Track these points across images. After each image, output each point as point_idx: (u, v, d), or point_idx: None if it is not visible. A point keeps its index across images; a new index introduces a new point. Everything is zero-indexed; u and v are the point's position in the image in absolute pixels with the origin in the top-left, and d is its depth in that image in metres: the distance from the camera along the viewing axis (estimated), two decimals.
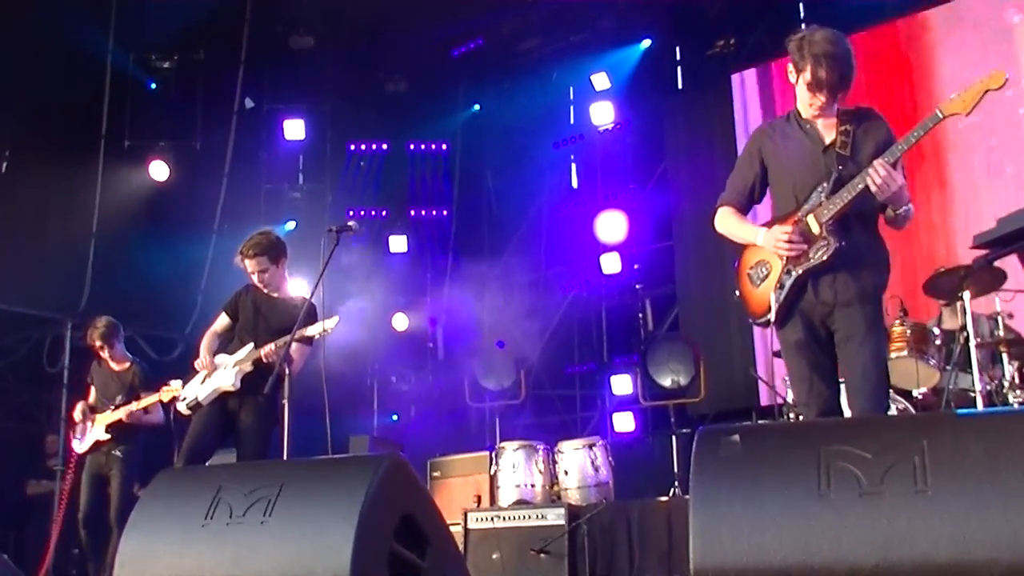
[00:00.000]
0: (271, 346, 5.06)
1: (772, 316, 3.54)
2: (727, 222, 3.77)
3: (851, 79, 3.43)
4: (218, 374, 5.21)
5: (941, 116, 3.27)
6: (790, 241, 3.47)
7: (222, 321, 5.47)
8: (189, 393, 5.27)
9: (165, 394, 6.13)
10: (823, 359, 3.51)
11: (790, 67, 3.49)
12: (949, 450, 2.30)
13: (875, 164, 3.30)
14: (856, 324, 3.43)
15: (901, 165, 3.42)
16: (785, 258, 3.51)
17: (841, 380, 3.60)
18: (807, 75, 3.41)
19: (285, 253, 5.35)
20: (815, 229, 3.45)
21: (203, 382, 5.26)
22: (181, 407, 5.24)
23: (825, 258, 3.42)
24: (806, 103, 3.51)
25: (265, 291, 5.35)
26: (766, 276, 3.60)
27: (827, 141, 3.52)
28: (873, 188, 3.30)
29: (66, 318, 9.08)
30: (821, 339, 3.52)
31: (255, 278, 5.31)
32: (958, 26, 7.92)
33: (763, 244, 3.58)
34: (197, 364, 5.30)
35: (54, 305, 9.14)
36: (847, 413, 3.72)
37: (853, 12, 8.09)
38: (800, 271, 3.48)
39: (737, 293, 3.78)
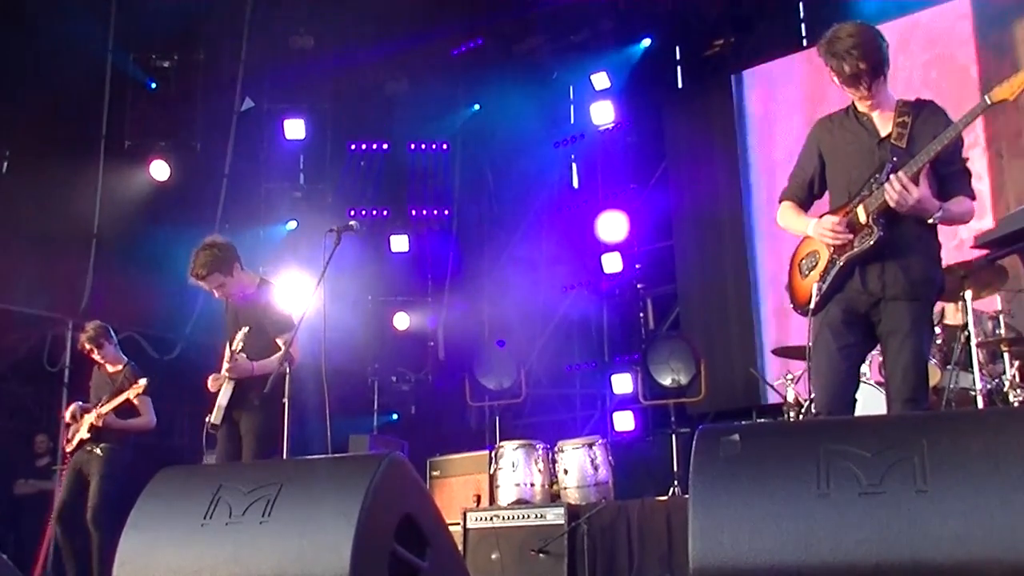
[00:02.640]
0: (225, 364, 5.01)
1: (812, 304, 3.54)
2: (785, 216, 3.81)
3: (883, 65, 3.44)
4: (221, 391, 5.17)
5: (989, 103, 3.24)
6: (834, 230, 3.49)
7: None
8: (213, 417, 5.18)
9: (132, 391, 6.16)
10: (851, 342, 3.50)
11: (829, 69, 3.51)
12: (949, 449, 2.30)
13: (891, 178, 3.29)
14: (901, 319, 3.41)
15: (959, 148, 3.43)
16: (832, 248, 3.53)
17: (864, 381, 3.58)
18: (837, 74, 3.44)
19: (235, 256, 5.18)
20: (862, 219, 3.45)
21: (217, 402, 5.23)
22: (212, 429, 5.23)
23: (868, 246, 3.42)
24: (854, 98, 3.53)
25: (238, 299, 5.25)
26: (814, 266, 3.62)
27: (883, 133, 3.52)
28: (891, 203, 3.30)
29: (66, 318, 9.07)
30: (855, 325, 3.50)
31: (216, 294, 5.21)
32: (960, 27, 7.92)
33: (812, 234, 3.61)
34: (210, 386, 5.20)
35: (54, 305, 9.14)
36: (858, 411, 3.71)
37: (853, 13, 8.07)
38: (843, 260, 3.49)
39: (785, 283, 3.81)
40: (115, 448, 6.21)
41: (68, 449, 6.35)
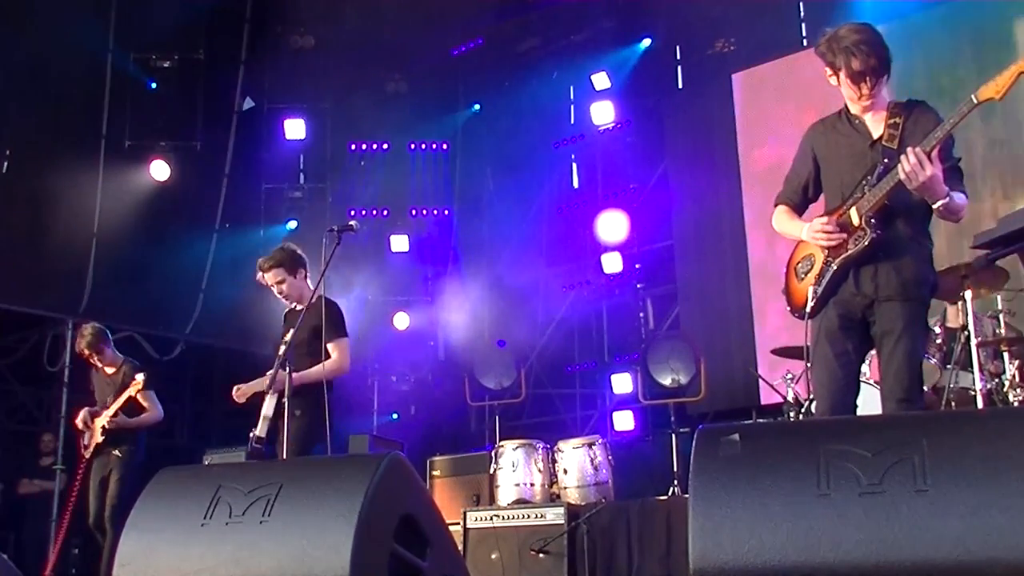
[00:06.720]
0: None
1: (808, 308, 3.54)
2: (780, 221, 3.81)
3: (889, 61, 3.43)
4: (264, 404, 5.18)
5: (976, 102, 3.22)
6: (827, 231, 3.49)
7: None
8: (258, 430, 5.17)
9: (132, 388, 6.19)
10: (849, 349, 3.50)
11: (827, 71, 3.50)
12: (949, 449, 2.30)
13: (907, 151, 3.25)
14: (894, 320, 3.41)
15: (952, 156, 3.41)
16: (826, 250, 3.54)
17: (864, 380, 3.58)
18: (844, 70, 3.43)
19: (302, 262, 5.29)
20: (855, 221, 3.45)
21: None
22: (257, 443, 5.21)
23: (862, 248, 3.41)
24: (854, 98, 3.52)
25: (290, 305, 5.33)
26: (809, 270, 3.63)
27: (875, 136, 3.51)
28: (902, 177, 3.26)
29: (66, 318, 9.07)
30: (852, 329, 3.50)
31: (276, 291, 5.27)
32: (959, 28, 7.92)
33: (806, 238, 3.62)
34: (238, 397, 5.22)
35: (54, 305, 9.15)
36: (858, 410, 3.71)
37: (852, 12, 8.07)
38: (837, 263, 3.49)
39: (782, 286, 3.81)
40: (132, 449, 6.31)
41: (87, 455, 6.37)
